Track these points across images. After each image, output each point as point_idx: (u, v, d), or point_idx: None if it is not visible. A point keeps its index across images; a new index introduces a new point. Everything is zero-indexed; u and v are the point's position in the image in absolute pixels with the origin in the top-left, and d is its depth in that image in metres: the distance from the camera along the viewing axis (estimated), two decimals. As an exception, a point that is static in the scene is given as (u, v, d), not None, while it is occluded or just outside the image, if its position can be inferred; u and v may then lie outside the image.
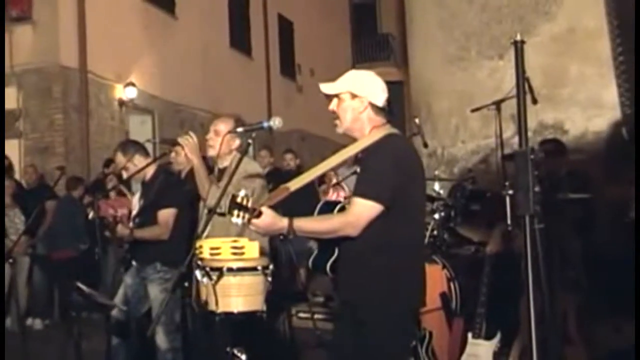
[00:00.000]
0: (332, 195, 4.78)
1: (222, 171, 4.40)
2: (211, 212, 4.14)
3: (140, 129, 13.23)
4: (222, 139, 4.25)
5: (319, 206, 3.39)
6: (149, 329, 4.08)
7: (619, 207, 4.64)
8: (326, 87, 3.21)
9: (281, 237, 5.41)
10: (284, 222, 2.92)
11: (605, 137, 6.26)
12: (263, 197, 3.58)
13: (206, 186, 4.25)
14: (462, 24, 7.69)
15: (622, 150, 3.87)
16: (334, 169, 3.93)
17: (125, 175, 4.89)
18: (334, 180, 3.93)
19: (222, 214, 3.71)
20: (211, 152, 4.41)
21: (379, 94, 3.17)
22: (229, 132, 4.12)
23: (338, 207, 3.20)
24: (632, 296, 4.19)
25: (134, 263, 4.94)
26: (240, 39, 17.23)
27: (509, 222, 3.79)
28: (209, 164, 4.59)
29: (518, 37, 2.01)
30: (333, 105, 3.21)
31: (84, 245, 8.36)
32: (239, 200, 2.86)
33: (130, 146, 5.02)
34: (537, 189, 1.77)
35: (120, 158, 4.88)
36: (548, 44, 6.95)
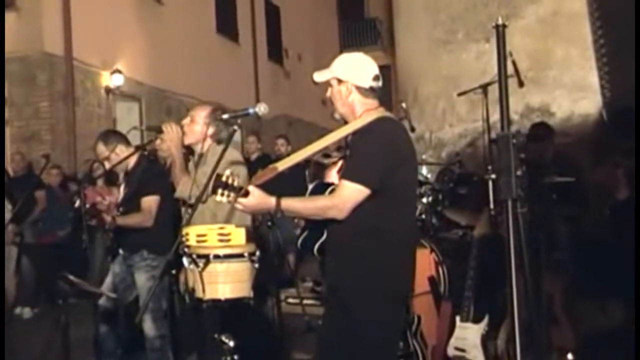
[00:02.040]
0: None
1: (199, 157, 4.39)
2: (184, 203, 4.16)
3: (127, 116, 13.17)
4: (200, 127, 4.26)
5: (311, 186, 3.38)
6: (136, 316, 4.07)
7: (605, 189, 4.66)
8: (316, 76, 3.21)
9: (269, 223, 5.43)
10: (271, 201, 2.91)
11: (590, 120, 6.28)
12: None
13: (179, 177, 4.24)
14: (448, 7, 7.68)
15: (605, 132, 3.89)
16: (322, 152, 3.91)
17: (107, 165, 4.86)
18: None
19: (191, 205, 3.71)
20: (186, 139, 4.39)
21: (364, 76, 3.14)
22: (217, 119, 4.10)
23: (330, 189, 3.19)
24: (617, 277, 4.23)
25: (120, 251, 4.92)
26: (226, 25, 17.13)
27: (491, 206, 3.80)
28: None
29: (500, 21, 1.99)
30: (328, 92, 3.21)
31: (62, 231, 8.38)
32: (224, 179, 2.83)
33: (112, 136, 4.98)
34: (519, 172, 1.77)
35: (101, 148, 4.85)
36: (534, 26, 6.96)
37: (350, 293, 3.06)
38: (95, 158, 5.32)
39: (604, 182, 4.52)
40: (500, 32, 1.96)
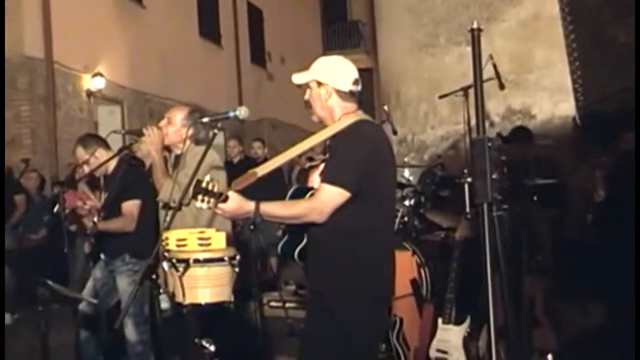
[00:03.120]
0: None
1: (178, 157, 4.38)
2: (166, 206, 4.13)
3: (109, 119, 13.09)
4: (177, 129, 4.26)
5: (290, 191, 3.38)
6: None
7: (585, 191, 4.70)
8: (295, 77, 3.21)
9: (251, 226, 5.41)
10: (250, 206, 2.91)
11: (571, 122, 6.34)
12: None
13: (161, 180, 4.22)
14: (430, 10, 7.72)
15: (580, 135, 3.94)
16: (302, 156, 3.91)
17: (86, 169, 4.81)
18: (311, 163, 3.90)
19: (173, 208, 3.68)
20: (165, 141, 4.36)
21: (344, 80, 3.13)
22: (192, 124, 4.08)
23: (309, 193, 3.18)
24: (598, 279, 4.26)
25: (102, 256, 4.89)
26: (209, 28, 17.09)
27: (467, 209, 3.82)
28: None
29: (475, 25, 2.00)
30: (307, 95, 3.21)
31: (34, 235, 8.33)
32: (204, 185, 2.84)
33: (91, 140, 4.95)
34: (495, 175, 1.77)
35: (81, 152, 4.81)
36: (515, 29, 7.02)
37: (332, 296, 3.06)
38: (76, 161, 5.29)
39: (583, 185, 4.56)
40: (476, 36, 1.96)
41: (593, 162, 4.47)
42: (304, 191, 3.26)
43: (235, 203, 2.90)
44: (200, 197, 2.84)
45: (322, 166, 3.45)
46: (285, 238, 3.32)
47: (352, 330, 3.02)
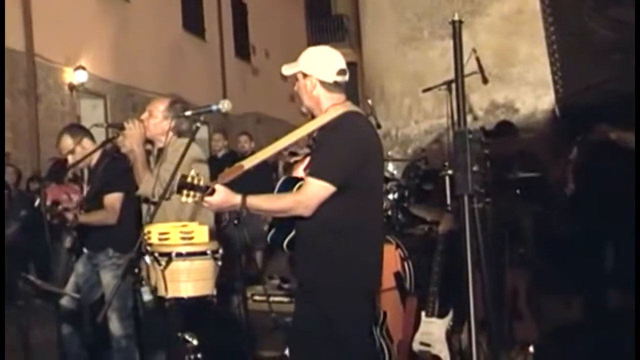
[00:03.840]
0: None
1: (160, 150, 4.35)
2: (146, 200, 4.11)
3: (92, 113, 13.00)
4: (159, 121, 4.24)
5: (280, 182, 3.38)
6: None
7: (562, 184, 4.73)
8: (284, 69, 3.21)
9: (236, 220, 5.40)
10: (237, 198, 2.92)
11: (552, 116, 6.37)
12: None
13: (142, 174, 4.20)
14: (414, 4, 7.72)
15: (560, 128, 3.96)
16: (288, 148, 3.91)
17: (71, 159, 4.78)
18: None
19: (153, 202, 3.68)
20: (147, 134, 4.34)
21: (328, 70, 3.12)
22: (174, 116, 4.06)
23: (298, 184, 3.19)
24: (581, 272, 4.29)
25: (85, 250, 4.86)
26: (193, 22, 17.00)
27: (448, 201, 3.83)
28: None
29: (456, 17, 2.00)
30: (296, 86, 3.22)
31: (9, 230, 8.25)
32: (189, 179, 2.85)
33: (78, 130, 4.93)
34: (476, 168, 1.78)
35: (68, 141, 4.76)
36: (498, 24, 7.04)
37: (320, 289, 3.07)
38: (59, 154, 5.24)
39: (559, 178, 4.59)
40: (457, 28, 1.96)
41: (567, 157, 4.50)
42: (292, 182, 3.27)
43: (222, 196, 2.91)
44: (185, 191, 2.85)
45: (306, 160, 3.45)
46: (275, 228, 3.33)
47: (340, 322, 3.03)
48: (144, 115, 4.38)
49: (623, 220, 4.34)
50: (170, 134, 4.15)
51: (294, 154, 4.60)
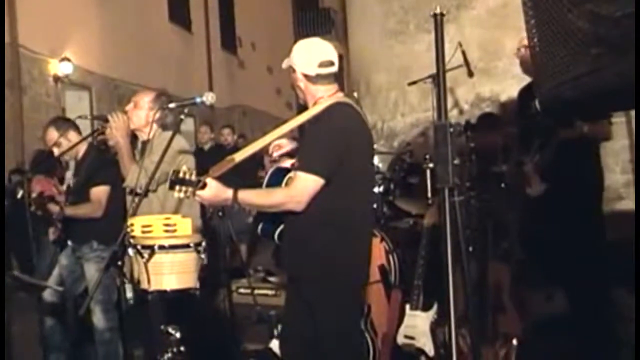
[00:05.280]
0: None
1: (144, 144, 4.34)
2: (132, 192, 4.10)
3: (78, 105, 12.93)
4: (145, 113, 4.22)
5: (269, 172, 3.39)
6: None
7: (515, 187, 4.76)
8: (283, 64, 3.23)
9: (220, 213, 5.39)
10: (228, 193, 2.94)
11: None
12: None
13: (127, 166, 4.18)
14: (400, -3, 7.71)
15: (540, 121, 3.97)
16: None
17: (56, 151, 4.76)
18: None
19: (139, 194, 3.66)
20: (130, 125, 4.32)
21: (309, 63, 3.13)
22: (159, 108, 4.05)
23: (288, 175, 3.19)
24: (563, 266, 4.32)
25: (69, 243, 4.84)
26: (179, 13, 16.92)
27: (429, 195, 3.83)
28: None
29: (438, 10, 2.00)
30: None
31: None
32: (181, 175, 2.87)
33: (63, 122, 4.93)
34: (456, 161, 1.79)
35: (53, 133, 4.76)
36: (484, 17, 7.03)
37: (307, 281, 3.09)
38: (44, 146, 5.22)
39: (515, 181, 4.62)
40: (439, 22, 1.96)
41: (519, 160, 4.55)
42: (282, 172, 3.28)
43: (214, 190, 2.92)
44: (177, 187, 2.87)
45: (291, 152, 3.46)
46: (264, 220, 3.34)
47: (330, 317, 3.05)
48: (129, 107, 4.36)
49: (595, 213, 4.40)
50: (155, 126, 4.13)
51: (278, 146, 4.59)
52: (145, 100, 4.32)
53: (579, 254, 4.20)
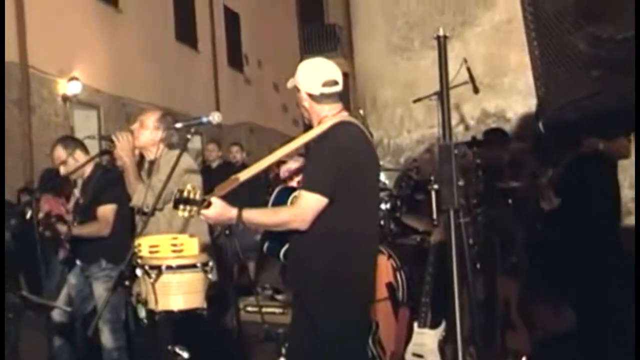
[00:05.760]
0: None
1: (151, 163, 4.36)
2: (138, 211, 4.11)
3: (86, 124, 12.98)
4: (150, 133, 4.23)
5: (275, 192, 3.40)
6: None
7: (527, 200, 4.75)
8: (288, 83, 3.25)
9: (227, 231, 5.41)
10: (232, 212, 2.95)
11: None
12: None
13: (133, 185, 4.20)
14: (406, 14, 7.73)
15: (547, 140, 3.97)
16: (282, 160, 3.93)
17: (63, 170, 4.79)
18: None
19: (145, 213, 3.68)
20: (136, 143, 4.35)
21: (313, 83, 3.15)
22: (165, 128, 4.07)
23: (293, 194, 3.20)
24: (571, 281, 4.30)
25: (78, 262, 4.85)
26: (186, 32, 17.01)
27: (434, 216, 3.82)
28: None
29: (441, 32, 2.02)
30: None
31: None
32: (185, 194, 2.89)
33: (71, 141, 4.96)
34: (461, 182, 1.79)
35: (60, 152, 4.78)
36: (489, 33, 7.05)
37: (313, 300, 3.08)
38: (53, 164, 5.27)
39: (529, 195, 4.61)
40: (442, 44, 1.97)
41: (533, 171, 4.54)
42: (288, 191, 3.29)
43: (218, 209, 2.94)
44: (181, 206, 2.89)
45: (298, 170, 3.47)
46: (270, 239, 3.35)
47: (335, 335, 3.04)
48: (135, 126, 4.39)
49: (609, 229, 4.37)
50: (161, 145, 4.16)
51: (282, 162, 4.62)
52: (151, 119, 4.34)
53: (591, 269, 4.17)
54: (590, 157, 4.17)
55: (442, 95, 1.96)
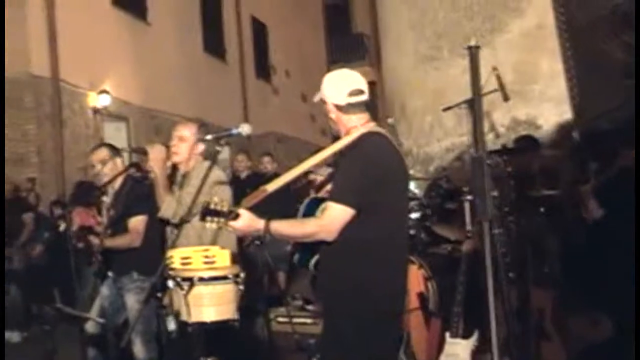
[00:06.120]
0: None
1: (184, 176, 4.38)
2: (169, 223, 4.14)
3: (116, 136, 13.11)
4: (190, 146, 4.26)
5: (305, 202, 3.40)
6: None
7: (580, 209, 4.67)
8: (315, 98, 3.26)
9: (257, 241, 5.41)
10: (260, 224, 2.96)
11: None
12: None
13: (163, 197, 4.23)
14: (433, 22, 7.70)
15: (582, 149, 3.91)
16: (310, 171, 3.94)
17: (99, 168, 4.84)
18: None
19: (176, 225, 3.69)
20: (175, 159, 4.38)
21: (339, 93, 3.14)
22: (199, 140, 4.10)
23: (322, 205, 3.20)
24: (607, 291, 4.22)
25: (110, 274, 4.89)
26: (214, 43, 17.15)
27: (468, 227, 3.78)
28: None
29: (472, 42, 2.00)
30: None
31: (33, 252, 8.30)
32: (212, 206, 2.90)
33: (114, 148, 5.04)
34: (495, 193, 1.76)
35: (105, 153, 4.90)
36: (518, 40, 6.98)
37: (344, 311, 3.06)
38: (87, 169, 5.35)
39: (562, 202, 4.54)
40: (474, 54, 1.96)
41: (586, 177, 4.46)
42: (317, 202, 3.29)
43: (246, 221, 2.95)
44: (209, 218, 2.91)
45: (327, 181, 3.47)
46: (300, 250, 3.35)
47: (364, 344, 3.01)
48: (174, 141, 4.41)
49: None
50: (195, 158, 4.21)
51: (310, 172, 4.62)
52: (191, 131, 4.37)
53: (633, 280, 4.09)
54: (635, 168, 4.08)
55: (474, 105, 1.94)
